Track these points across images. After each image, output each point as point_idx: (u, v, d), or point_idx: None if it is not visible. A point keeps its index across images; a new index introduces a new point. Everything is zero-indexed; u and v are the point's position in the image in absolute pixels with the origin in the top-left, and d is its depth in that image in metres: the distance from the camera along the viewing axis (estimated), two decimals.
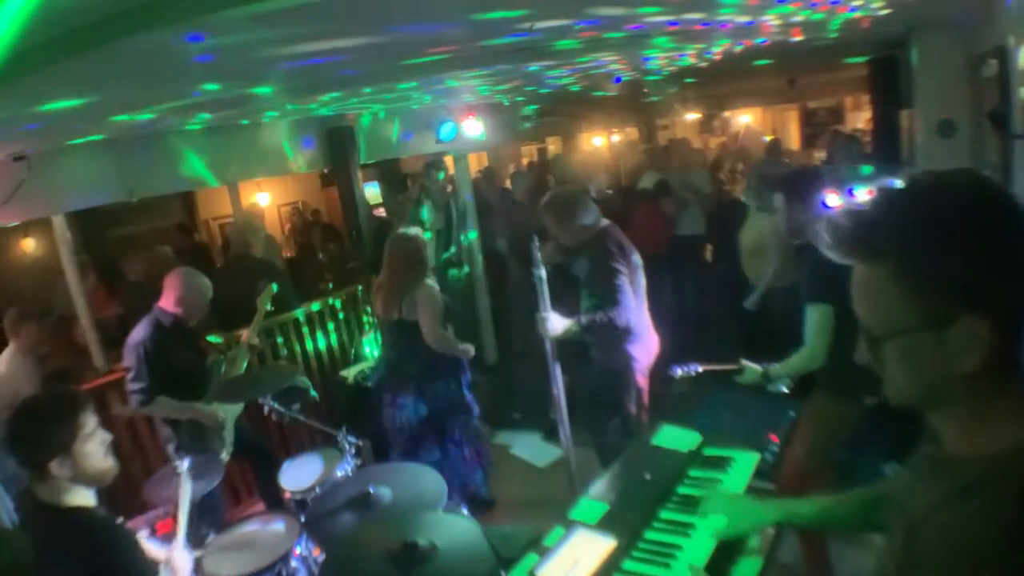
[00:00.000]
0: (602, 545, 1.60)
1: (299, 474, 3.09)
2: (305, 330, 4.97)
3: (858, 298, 0.90)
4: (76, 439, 1.80)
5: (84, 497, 1.85)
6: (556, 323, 3.07)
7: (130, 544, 1.88)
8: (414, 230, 3.76)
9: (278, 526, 2.74)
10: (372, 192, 8.58)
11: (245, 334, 3.75)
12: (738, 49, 4.66)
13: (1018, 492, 0.77)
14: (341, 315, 5.30)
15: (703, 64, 5.49)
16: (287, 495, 2.97)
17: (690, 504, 1.75)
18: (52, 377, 4.06)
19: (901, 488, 1.02)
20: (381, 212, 8.43)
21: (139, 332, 3.30)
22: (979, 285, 0.79)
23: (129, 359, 3.27)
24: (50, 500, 1.79)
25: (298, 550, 2.58)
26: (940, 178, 0.86)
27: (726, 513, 1.59)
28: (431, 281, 3.62)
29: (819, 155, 10.10)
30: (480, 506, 3.82)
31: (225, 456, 3.47)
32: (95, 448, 1.85)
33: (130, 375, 3.26)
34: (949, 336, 0.81)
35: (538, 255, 2.95)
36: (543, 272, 2.97)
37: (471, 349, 3.74)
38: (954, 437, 0.89)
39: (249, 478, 4.23)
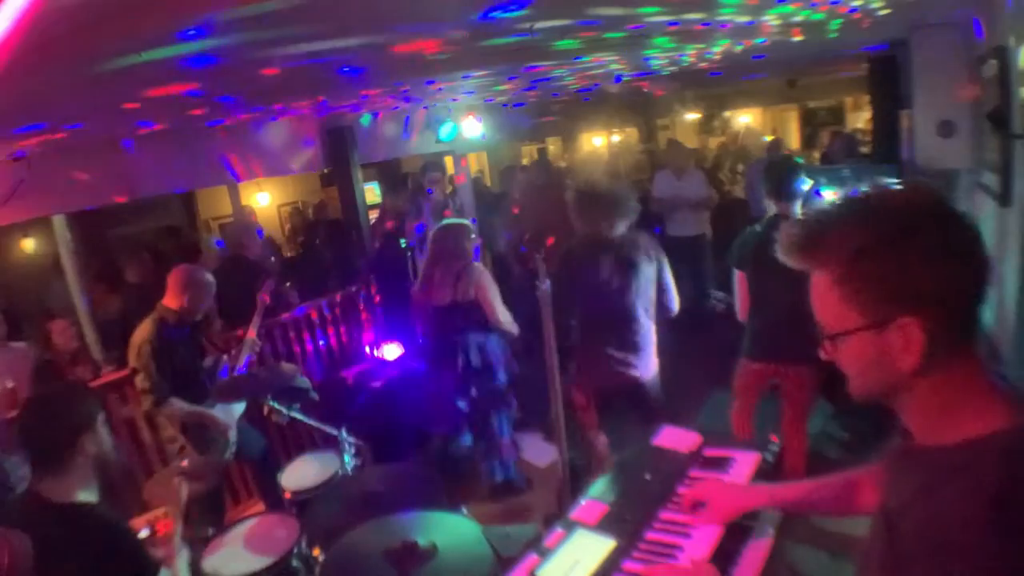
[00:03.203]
0: (602, 545, 1.60)
1: (299, 474, 3.09)
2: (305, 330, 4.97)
3: (812, 299, 0.98)
4: (98, 416, 1.90)
5: (89, 494, 1.87)
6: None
7: (134, 540, 1.90)
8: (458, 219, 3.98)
9: (278, 526, 2.74)
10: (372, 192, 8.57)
11: (248, 332, 3.75)
12: (738, 49, 4.66)
13: (991, 477, 0.80)
14: (341, 315, 5.29)
15: (703, 64, 5.50)
16: (287, 495, 2.97)
17: (690, 504, 1.75)
18: (40, 373, 4.01)
19: (878, 483, 1.05)
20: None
21: (143, 330, 3.28)
22: (913, 290, 0.86)
23: (137, 359, 3.25)
24: (57, 496, 1.80)
25: (298, 550, 2.57)
26: (885, 190, 0.94)
27: (708, 499, 1.63)
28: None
29: (819, 155, 10.12)
30: (513, 490, 3.93)
31: (228, 457, 3.47)
32: (106, 432, 1.94)
33: (140, 375, 3.24)
34: (888, 337, 0.88)
35: (543, 267, 2.68)
36: (547, 285, 2.67)
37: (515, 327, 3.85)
38: (921, 429, 0.94)
39: (249, 478, 4.23)
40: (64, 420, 1.83)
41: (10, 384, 3.60)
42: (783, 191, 3.09)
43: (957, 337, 0.88)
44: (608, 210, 3.16)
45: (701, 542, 1.59)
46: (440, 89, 4.88)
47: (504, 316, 3.73)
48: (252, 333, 3.73)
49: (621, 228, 3.20)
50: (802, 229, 0.96)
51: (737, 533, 1.60)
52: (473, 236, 3.84)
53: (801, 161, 3.56)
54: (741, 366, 3.31)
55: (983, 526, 0.77)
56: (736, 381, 3.34)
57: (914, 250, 0.86)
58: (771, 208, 3.19)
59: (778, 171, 3.19)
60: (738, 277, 3.24)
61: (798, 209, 3.07)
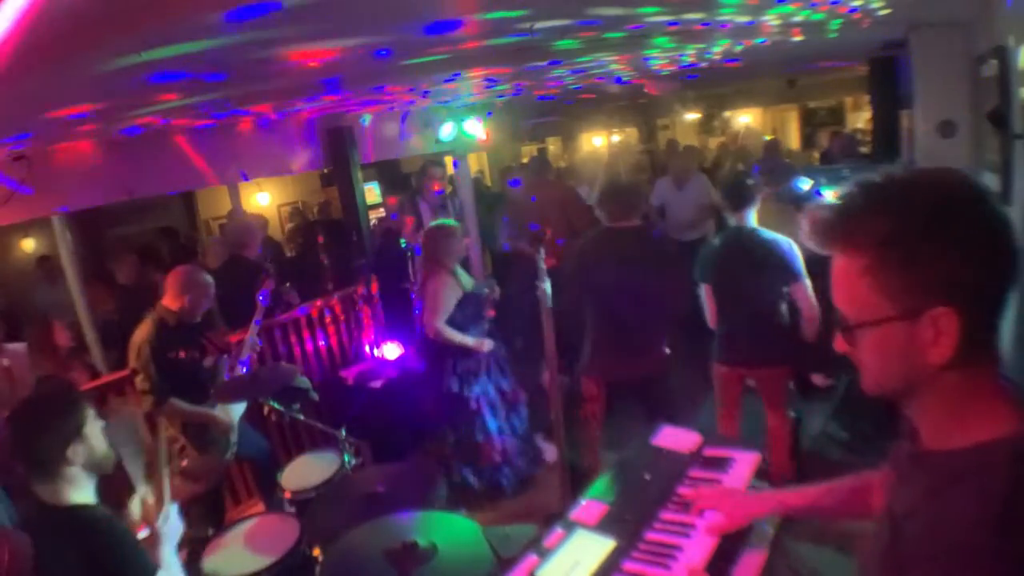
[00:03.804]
0: (602, 545, 1.60)
1: (299, 474, 3.09)
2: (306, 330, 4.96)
3: (834, 287, 0.92)
4: (86, 422, 1.86)
5: (86, 495, 1.86)
6: None
7: (132, 540, 1.89)
8: (448, 221, 3.96)
9: (278, 526, 2.74)
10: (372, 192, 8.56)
11: (248, 333, 3.74)
12: (738, 49, 4.66)
13: (999, 481, 0.78)
14: (341, 315, 5.28)
15: (704, 64, 5.49)
16: (287, 495, 2.97)
17: (690, 504, 1.75)
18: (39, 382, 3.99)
19: (883, 486, 1.03)
20: (380, 212, 8.40)
21: (142, 331, 3.27)
22: (949, 279, 0.81)
23: (136, 359, 3.24)
24: (53, 500, 1.79)
25: (298, 550, 2.57)
26: (915, 174, 0.89)
27: (719, 507, 1.61)
28: (454, 273, 3.75)
29: (818, 155, 10.13)
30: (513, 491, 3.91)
31: (229, 457, 3.47)
32: (99, 432, 1.91)
33: (139, 376, 3.23)
34: (918, 328, 0.83)
35: (543, 267, 2.79)
36: (548, 285, 2.79)
37: (484, 343, 3.77)
38: (930, 431, 0.91)
39: (249, 478, 4.23)
40: (50, 434, 1.80)
41: (6, 362, 3.58)
42: (735, 203, 3.38)
43: (987, 332, 0.85)
44: (634, 201, 3.38)
45: (701, 542, 1.59)
46: (427, 92, 4.87)
47: (440, 325, 3.63)
48: (252, 333, 3.73)
49: (638, 220, 3.42)
50: (833, 213, 0.90)
51: (736, 533, 1.60)
52: (460, 235, 3.84)
53: (746, 175, 3.91)
54: (714, 369, 3.58)
55: (990, 530, 0.76)
56: (715, 388, 3.60)
57: (951, 237, 0.81)
58: (731, 220, 3.44)
59: (728, 185, 3.62)
60: (704, 289, 3.51)
61: (752, 218, 3.35)
